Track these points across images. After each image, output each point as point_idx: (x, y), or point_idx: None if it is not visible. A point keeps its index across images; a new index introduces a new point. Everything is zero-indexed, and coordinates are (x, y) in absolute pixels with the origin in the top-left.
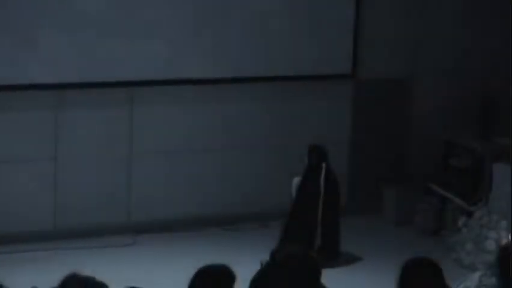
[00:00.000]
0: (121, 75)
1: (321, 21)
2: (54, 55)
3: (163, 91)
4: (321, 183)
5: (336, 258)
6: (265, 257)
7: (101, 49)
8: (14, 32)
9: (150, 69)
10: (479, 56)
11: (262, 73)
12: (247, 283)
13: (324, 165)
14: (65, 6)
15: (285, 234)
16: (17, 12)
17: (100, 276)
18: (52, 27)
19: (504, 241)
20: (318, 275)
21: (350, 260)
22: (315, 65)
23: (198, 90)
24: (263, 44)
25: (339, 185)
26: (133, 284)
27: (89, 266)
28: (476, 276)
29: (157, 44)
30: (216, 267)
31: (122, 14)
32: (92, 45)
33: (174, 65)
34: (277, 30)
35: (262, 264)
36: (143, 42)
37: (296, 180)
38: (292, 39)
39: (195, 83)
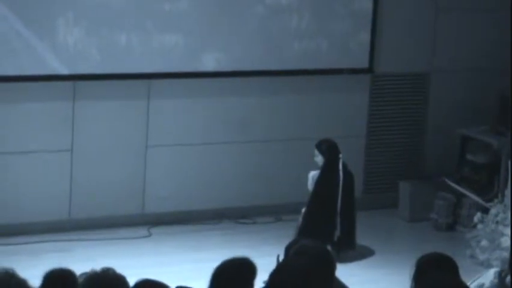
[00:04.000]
0: (138, 67)
1: (339, 15)
2: (71, 46)
3: (179, 84)
4: (340, 173)
5: (355, 248)
6: (281, 251)
7: (118, 41)
8: (31, 23)
9: (167, 61)
10: (497, 51)
11: (278, 67)
12: (263, 276)
13: (340, 155)
14: None
15: (304, 226)
16: (35, 4)
17: (116, 267)
18: (70, 19)
19: None
20: (333, 269)
21: (365, 253)
22: (332, 59)
23: (215, 83)
24: (279, 38)
25: (354, 176)
26: (148, 276)
27: (105, 258)
28: (491, 272)
29: (174, 36)
30: (239, 260)
31: (140, 6)
32: (109, 37)
33: (191, 58)
34: (294, 23)
35: (278, 259)
36: (160, 35)
37: (312, 174)
38: (309, 32)
39: (211, 75)
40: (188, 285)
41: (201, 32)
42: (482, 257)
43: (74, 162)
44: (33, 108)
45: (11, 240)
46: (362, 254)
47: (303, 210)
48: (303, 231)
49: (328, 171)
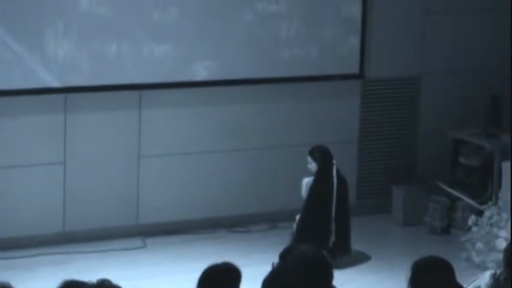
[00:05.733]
0: (129, 78)
1: (328, 21)
2: (62, 58)
3: (171, 94)
4: (334, 179)
5: (350, 254)
6: (276, 258)
7: (109, 52)
8: (21, 36)
9: (158, 71)
10: (487, 52)
11: (269, 74)
12: (258, 284)
13: (334, 161)
14: (73, 9)
15: (299, 233)
16: (24, 16)
17: (111, 279)
18: (59, 30)
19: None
20: (330, 274)
21: (361, 259)
22: (322, 65)
23: (206, 92)
24: (269, 45)
25: (347, 181)
26: (144, 287)
27: (100, 270)
28: (486, 275)
29: (165, 46)
30: (220, 266)
31: (129, 16)
32: (100, 48)
33: (181, 67)
34: (283, 30)
35: (273, 266)
36: (150, 45)
37: (306, 181)
38: (299, 39)
39: (202, 85)
40: None
41: (191, 41)
42: (477, 259)
43: (67, 175)
44: (25, 122)
45: (6, 254)
46: (358, 259)
47: (298, 217)
48: (298, 238)
49: (322, 177)
